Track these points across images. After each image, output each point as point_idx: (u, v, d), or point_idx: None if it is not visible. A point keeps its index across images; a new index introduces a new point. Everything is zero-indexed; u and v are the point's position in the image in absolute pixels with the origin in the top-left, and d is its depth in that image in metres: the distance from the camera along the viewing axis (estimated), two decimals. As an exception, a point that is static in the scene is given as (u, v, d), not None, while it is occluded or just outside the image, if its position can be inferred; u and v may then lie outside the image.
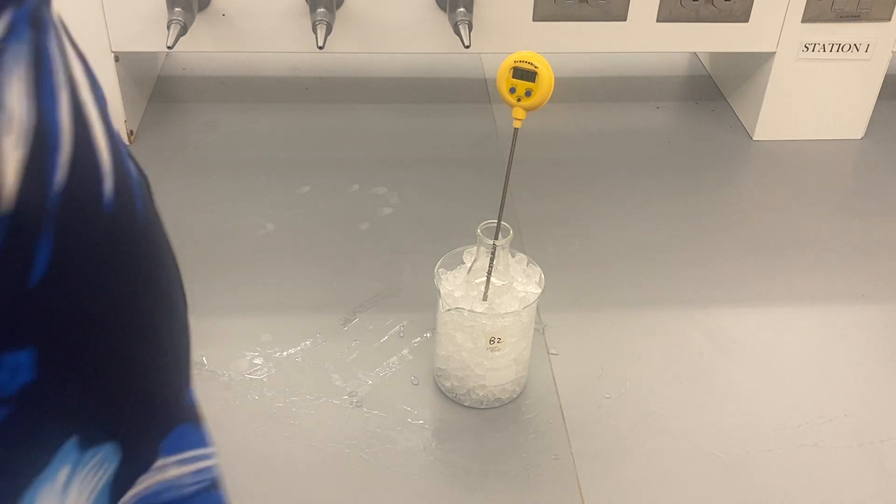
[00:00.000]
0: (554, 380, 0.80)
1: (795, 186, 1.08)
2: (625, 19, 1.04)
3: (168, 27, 0.94)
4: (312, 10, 0.97)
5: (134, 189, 0.34)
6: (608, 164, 1.11)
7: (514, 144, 0.68)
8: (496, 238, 0.70)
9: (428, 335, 0.83)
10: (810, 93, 1.12)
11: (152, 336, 0.37)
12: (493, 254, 0.71)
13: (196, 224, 0.97)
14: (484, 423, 0.76)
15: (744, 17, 1.05)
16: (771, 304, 0.90)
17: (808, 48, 1.08)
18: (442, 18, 1.02)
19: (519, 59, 0.64)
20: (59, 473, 0.34)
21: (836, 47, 1.08)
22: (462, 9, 0.98)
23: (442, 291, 0.73)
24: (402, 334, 0.84)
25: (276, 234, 0.96)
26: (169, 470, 0.40)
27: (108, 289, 0.33)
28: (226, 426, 0.75)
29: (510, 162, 0.69)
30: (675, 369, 0.82)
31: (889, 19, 1.06)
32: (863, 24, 1.07)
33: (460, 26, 0.96)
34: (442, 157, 1.11)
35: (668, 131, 1.18)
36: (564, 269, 0.93)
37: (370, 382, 0.79)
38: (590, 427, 0.76)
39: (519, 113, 0.66)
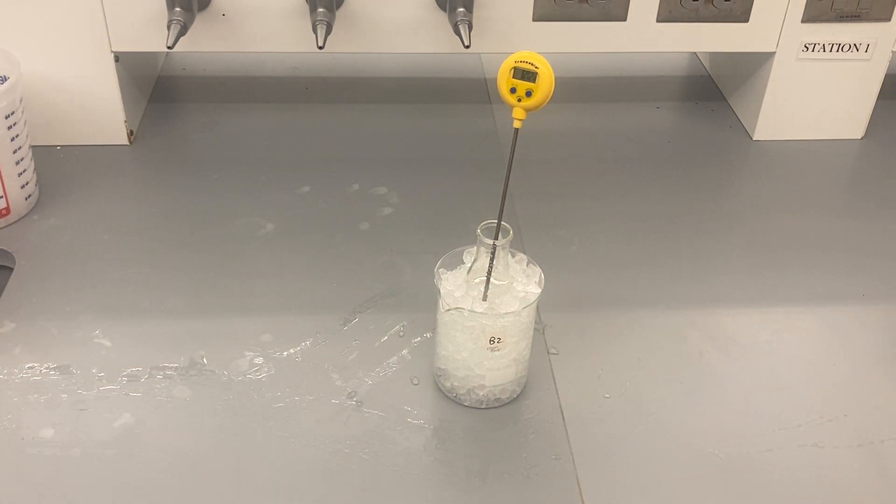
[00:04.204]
0: (554, 380, 0.80)
1: (795, 186, 1.08)
2: (625, 19, 1.04)
3: (168, 27, 0.94)
4: (312, 10, 0.97)
5: None
6: (608, 164, 1.11)
7: (514, 144, 0.68)
8: (496, 238, 0.70)
9: (428, 335, 0.84)
10: (810, 93, 1.12)
11: None
12: (493, 254, 0.71)
13: (196, 224, 0.97)
14: (484, 423, 0.76)
15: (744, 17, 1.05)
16: (771, 304, 0.90)
17: (808, 48, 1.08)
18: (442, 18, 1.02)
19: (519, 60, 0.64)
20: None
21: (836, 47, 1.08)
22: (462, 9, 0.98)
23: (442, 291, 0.73)
24: (402, 334, 0.84)
25: (276, 234, 0.96)
26: None
27: None
28: (226, 426, 0.75)
29: (510, 162, 0.69)
30: (675, 369, 0.82)
31: (889, 19, 1.06)
32: (863, 24, 1.07)
33: (460, 26, 0.96)
34: (442, 157, 1.11)
35: (668, 131, 1.18)
36: (564, 269, 0.93)
37: (370, 382, 0.79)
38: (590, 427, 0.76)
39: (519, 113, 0.66)
